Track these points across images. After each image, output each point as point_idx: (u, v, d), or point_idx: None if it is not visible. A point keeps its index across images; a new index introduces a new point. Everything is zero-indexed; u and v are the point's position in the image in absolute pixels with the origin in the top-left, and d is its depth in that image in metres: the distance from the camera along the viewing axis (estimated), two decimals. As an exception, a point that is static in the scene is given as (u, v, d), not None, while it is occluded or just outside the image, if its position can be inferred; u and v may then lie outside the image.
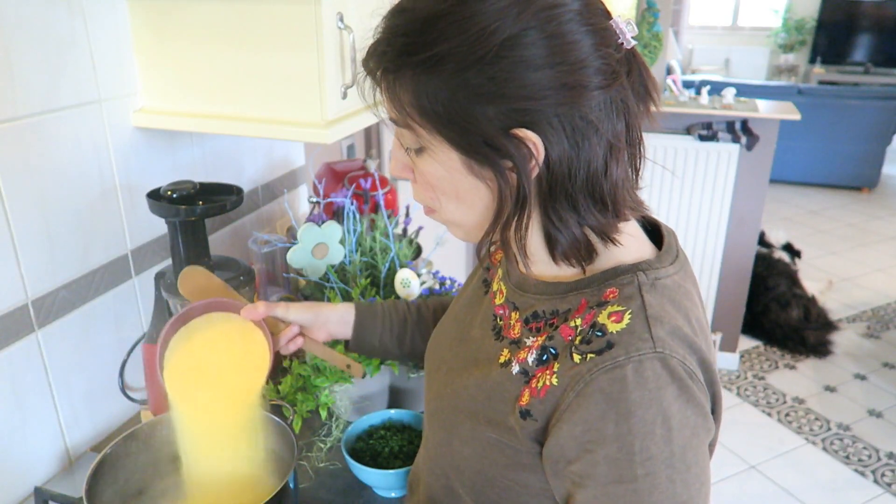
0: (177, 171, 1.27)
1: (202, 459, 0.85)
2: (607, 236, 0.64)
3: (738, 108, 2.80)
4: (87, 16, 1.04)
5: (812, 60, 7.50)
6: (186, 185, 1.10)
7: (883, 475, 2.52)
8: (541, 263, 0.69)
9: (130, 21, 1.10)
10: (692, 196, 2.89)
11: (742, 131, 2.75)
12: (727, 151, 2.79)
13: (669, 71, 3.87)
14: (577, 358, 0.61)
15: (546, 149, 0.58)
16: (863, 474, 2.53)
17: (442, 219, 0.70)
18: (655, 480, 0.58)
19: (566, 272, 0.68)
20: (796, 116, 2.75)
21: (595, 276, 0.66)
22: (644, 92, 0.63)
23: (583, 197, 0.61)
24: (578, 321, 0.64)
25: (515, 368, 0.68)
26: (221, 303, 0.90)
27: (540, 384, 0.64)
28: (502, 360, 0.71)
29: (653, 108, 0.65)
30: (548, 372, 0.64)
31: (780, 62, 7.60)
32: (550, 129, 0.58)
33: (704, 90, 2.92)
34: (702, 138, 2.78)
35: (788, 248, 3.78)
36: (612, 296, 0.63)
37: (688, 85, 3.29)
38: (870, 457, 2.61)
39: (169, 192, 1.09)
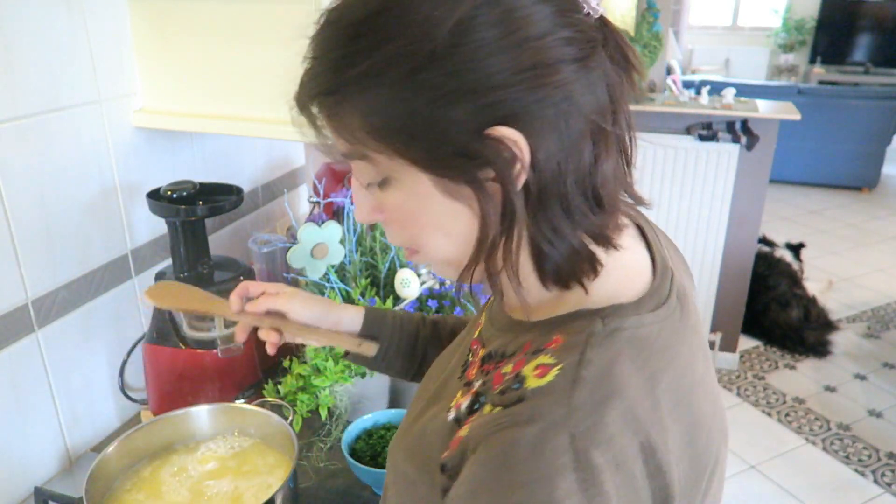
0: (177, 171, 1.27)
1: None
2: (606, 239, 0.54)
3: (738, 108, 2.80)
4: (87, 16, 1.04)
5: (812, 60, 7.50)
6: (186, 185, 1.10)
7: (883, 475, 2.52)
8: (535, 290, 0.57)
9: (130, 21, 1.10)
10: (692, 196, 2.89)
11: (742, 131, 2.75)
12: (727, 151, 2.79)
13: (669, 71, 3.87)
14: (486, 409, 0.53)
15: (530, 145, 0.49)
16: (863, 474, 2.53)
17: (427, 259, 0.59)
18: None
19: (564, 303, 0.56)
20: (796, 116, 2.75)
21: (558, 316, 0.55)
22: (624, 62, 0.53)
23: (575, 196, 0.51)
24: (510, 367, 0.54)
25: (451, 415, 0.58)
26: None
27: (462, 435, 0.54)
28: (453, 402, 0.60)
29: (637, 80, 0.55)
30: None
31: (780, 62, 7.60)
32: (531, 119, 0.48)
33: (704, 90, 2.92)
34: (702, 138, 2.78)
35: (789, 245, 3.78)
36: (555, 344, 0.52)
37: (688, 85, 3.29)
38: (870, 457, 2.61)
39: (169, 192, 1.09)
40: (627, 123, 0.54)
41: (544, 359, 0.51)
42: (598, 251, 0.54)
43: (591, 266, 0.54)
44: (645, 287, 0.55)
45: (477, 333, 0.66)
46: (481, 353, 0.62)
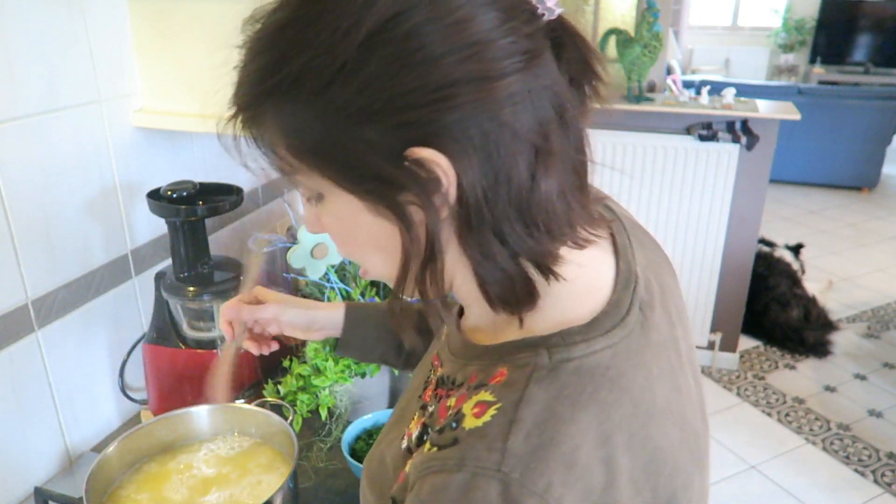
0: (177, 171, 1.27)
1: None
2: (547, 268, 0.49)
3: (738, 108, 2.80)
4: (87, 16, 1.04)
5: (812, 60, 7.49)
6: (186, 185, 1.10)
7: (883, 475, 2.52)
8: (485, 313, 0.53)
9: (130, 21, 1.10)
10: (692, 196, 2.89)
11: (742, 131, 2.75)
12: (727, 151, 2.79)
13: (669, 71, 3.87)
14: (426, 447, 0.49)
15: (455, 167, 0.44)
16: (863, 474, 2.52)
17: (371, 276, 0.56)
18: None
19: (514, 327, 0.52)
20: (796, 116, 2.75)
21: (508, 343, 0.51)
22: (584, 69, 0.49)
23: (509, 220, 0.47)
24: (454, 401, 0.51)
25: (404, 444, 0.56)
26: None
27: (406, 470, 0.51)
28: (410, 426, 0.57)
29: (601, 88, 0.50)
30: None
31: (780, 62, 7.60)
32: (453, 142, 0.44)
33: (704, 90, 2.92)
34: (702, 138, 2.78)
35: (788, 246, 3.78)
36: (498, 378, 0.48)
37: (688, 85, 3.29)
38: (870, 457, 2.61)
39: (169, 192, 1.09)
40: (578, 137, 0.49)
41: (484, 395, 0.47)
42: (539, 278, 0.49)
43: (527, 293, 0.49)
44: (601, 304, 0.51)
45: (437, 349, 0.63)
46: (439, 372, 0.59)
